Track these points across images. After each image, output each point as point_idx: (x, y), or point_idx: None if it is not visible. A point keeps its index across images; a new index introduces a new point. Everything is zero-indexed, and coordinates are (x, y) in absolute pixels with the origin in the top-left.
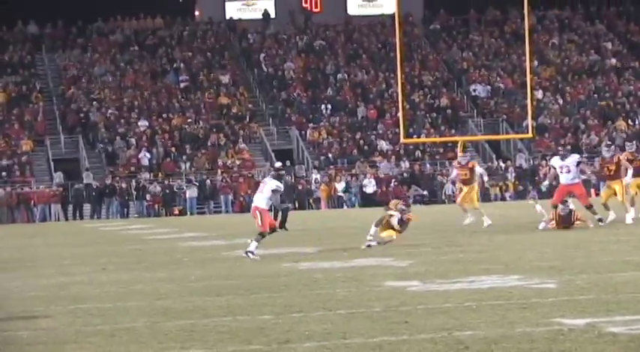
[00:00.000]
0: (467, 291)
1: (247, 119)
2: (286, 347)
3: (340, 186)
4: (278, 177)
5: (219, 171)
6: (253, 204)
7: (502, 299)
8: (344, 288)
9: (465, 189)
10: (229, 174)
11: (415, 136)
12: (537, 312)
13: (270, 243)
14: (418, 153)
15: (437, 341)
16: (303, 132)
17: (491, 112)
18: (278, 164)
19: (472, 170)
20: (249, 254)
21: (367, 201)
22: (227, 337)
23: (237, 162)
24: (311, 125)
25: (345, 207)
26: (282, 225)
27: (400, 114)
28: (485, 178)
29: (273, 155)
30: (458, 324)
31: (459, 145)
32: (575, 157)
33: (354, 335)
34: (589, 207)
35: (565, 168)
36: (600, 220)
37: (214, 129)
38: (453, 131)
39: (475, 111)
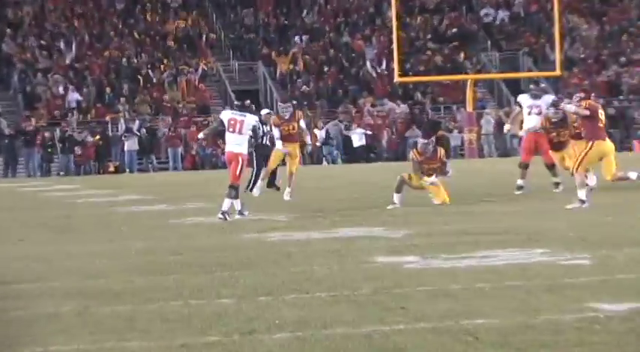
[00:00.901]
0: (478, 269)
1: (201, 51)
2: (251, 338)
3: (319, 135)
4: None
5: (165, 118)
6: (228, 150)
7: (522, 279)
8: (324, 265)
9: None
10: (178, 121)
11: (412, 74)
12: (566, 296)
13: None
14: (418, 95)
15: (440, 331)
16: (271, 68)
17: (509, 43)
18: (265, 111)
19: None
20: (225, 216)
21: (353, 156)
22: (177, 326)
23: (189, 106)
24: (281, 59)
25: (324, 163)
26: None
27: (395, 45)
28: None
29: (233, 96)
30: (466, 311)
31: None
32: (549, 97)
33: (336, 324)
34: (550, 166)
35: (535, 108)
36: (557, 185)
37: (159, 64)
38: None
39: (489, 42)
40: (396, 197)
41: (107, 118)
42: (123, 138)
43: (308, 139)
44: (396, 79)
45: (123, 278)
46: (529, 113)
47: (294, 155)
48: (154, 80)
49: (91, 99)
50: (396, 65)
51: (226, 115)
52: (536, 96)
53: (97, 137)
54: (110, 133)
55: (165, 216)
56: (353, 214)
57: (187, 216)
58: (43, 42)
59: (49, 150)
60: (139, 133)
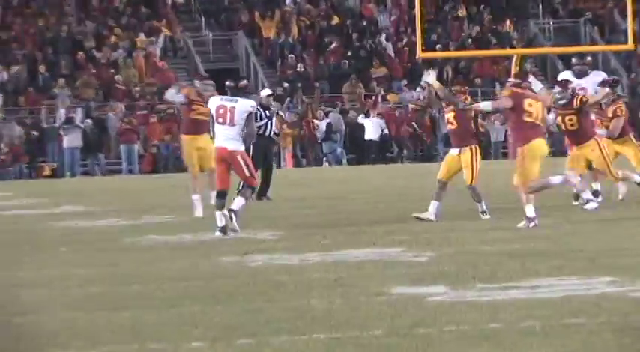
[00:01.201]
0: (526, 303)
1: (164, 18)
2: None
3: (320, 128)
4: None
5: (117, 105)
6: (218, 145)
7: (583, 316)
8: (323, 298)
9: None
10: (135, 110)
11: (439, 48)
12: None
13: (203, 225)
14: (448, 73)
15: None
16: (255, 40)
17: (567, 8)
18: (265, 92)
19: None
20: (232, 215)
21: (362, 154)
22: None
23: (149, 90)
24: (267, 23)
25: (325, 165)
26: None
27: (417, 11)
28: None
29: (206, 76)
30: None
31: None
32: (598, 75)
33: None
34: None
35: (580, 90)
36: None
37: (109, 35)
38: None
39: (540, 6)
40: (432, 206)
41: (41, 106)
42: (61, 131)
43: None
44: (419, 54)
45: (61, 316)
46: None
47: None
48: (102, 56)
49: (20, 81)
50: (418, 37)
51: (214, 103)
52: (580, 74)
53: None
54: (45, 125)
55: (116, 234)
56: (361, 231)
57: (146, 233)
58: None
59: None
60: (82, 125)
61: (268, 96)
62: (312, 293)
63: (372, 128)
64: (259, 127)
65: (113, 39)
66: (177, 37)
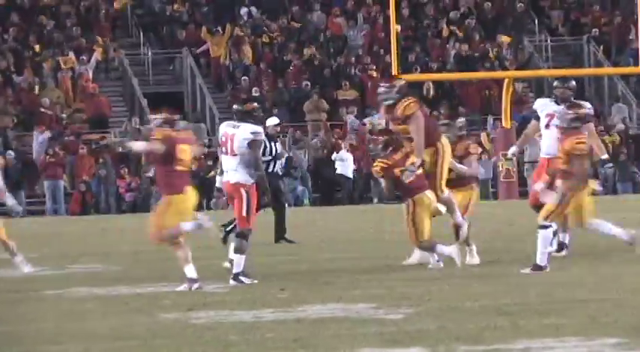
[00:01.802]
0: None
1: (97, 31)
2: None
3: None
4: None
5: (38, 133)
6: (225, 180)
7: None
8: None
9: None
10: (62, 138)
11: (417, 69)
12: None
13: (139, 275)
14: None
15: None
16: (203, 59)
17: (568, 24)
18: (272, 121)
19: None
20: (241, 279)
21: (330, 193)
22: None
23: (77, 116)
24: (215, 39)
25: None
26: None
27: (392, 26)
28: None
29: (144, 103)
30: None
31: (505, 84)
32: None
33: None
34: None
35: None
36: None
37: (30, 51)
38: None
39: (536, 21)
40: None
41: None
42: None
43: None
44: (394, 75)
45: None
46: (546, 126)
47: None
48: (23, 79)
49: None
50: (393, 56)
51: (221, 129)
52: (563, 100)
53: None
54: None
55: (38, 285)
56: (326, 283)
57: (72, 284)
58: None
59: None
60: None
61: (276, 125)
62: None
63: (343, 163)
64: (266, 163)
65: (36, 54)
66: (114, 54)
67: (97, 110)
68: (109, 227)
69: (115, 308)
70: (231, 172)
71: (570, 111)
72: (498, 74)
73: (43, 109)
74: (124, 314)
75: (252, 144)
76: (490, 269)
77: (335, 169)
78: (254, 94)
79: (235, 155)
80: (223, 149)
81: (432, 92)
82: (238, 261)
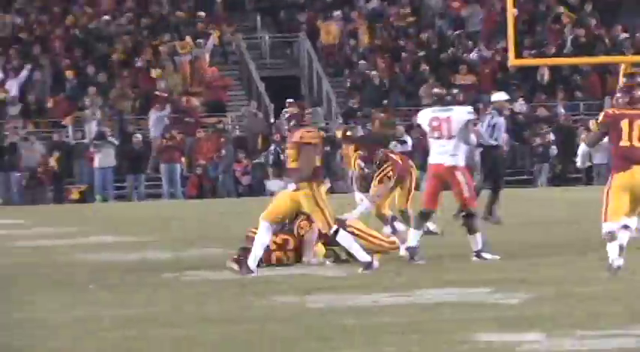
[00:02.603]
0: None
1: (214, 17)
2: None
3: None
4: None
5: (153, 115)
6: (433, 162)
7: None
8: (396, 346)
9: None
10: (179, 122)
11: (530, 54)
12: None
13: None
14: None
15: None
16: (318, 41)
17: None
18: (499, 96)
19: None
20: (483, 255)
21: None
22: None
23: (195, 102)
24: (327, 26)
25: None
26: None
27: (509, 8)
28: None
29: (262, 87)
30: None
31: (621, 70)
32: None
33: None
34: None
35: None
36: None
37: (149, 36)
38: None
39: None
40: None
41: (66, 119)
42: (92, 148)
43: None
44: (511, 61)
45: None
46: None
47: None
48: (140, 60)
49: (45, 90)
50: (510, 41)
51: (425, 117)
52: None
53: (56, 156)
54: (72, 141)
55: (154, 269)
56: (442, 268)
57: (189, 268)
58: None
59: None
60: (116, 142)
61: (506, 101)
62: (383, 340)
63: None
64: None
65: (157, 41)
66: (229, 38)
67: (214, 94)
68: (227, 210)
69: (231, 292)
70: (445, 156)
71: None
72: (614, 59)
73: (159, 93)
74: (240, 297)
75: (469, 123)
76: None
77: None
78: (372, 77)
79: (451, 137)
80: (436, 134)
81: (546, 77)
82: (477, 240)
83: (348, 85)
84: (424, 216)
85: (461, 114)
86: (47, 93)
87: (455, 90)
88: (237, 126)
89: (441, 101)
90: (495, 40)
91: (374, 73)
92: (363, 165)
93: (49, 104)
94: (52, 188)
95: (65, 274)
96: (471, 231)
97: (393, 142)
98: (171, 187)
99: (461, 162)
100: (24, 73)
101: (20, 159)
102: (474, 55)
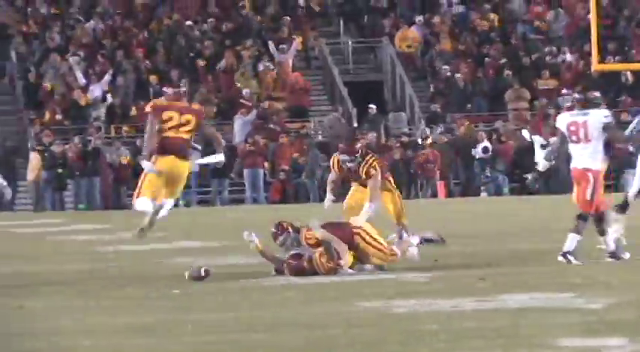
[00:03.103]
0: None
1: (297, 22)
2: None
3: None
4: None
5: (238, 121)
6: (574, 166)
7: None
8: (481, 350)
9: None
10: (261, 128)
11: (620, 59)
12: None
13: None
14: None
15: None
16: (398, 46)
17: None
18: None
19: None
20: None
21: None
22: None
23: (279, 106)
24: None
25: (484, 194)
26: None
27: (592, 15)
28: None
29: (345, 92)
30: None
31: None
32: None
33: None
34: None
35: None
36: None
37: (233, 41)
38: None
39: None
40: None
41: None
42: None
43: None
44: (594, 66)
45: None
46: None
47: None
48: (223, 65)
49: (129, 94)
50: (594, 45)
51: (563, 121)
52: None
53: (127, 157)
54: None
55: (236, 274)
56: (525, 273)
57: (270, 273)
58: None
59: (60, 171)
60: (199, 147)
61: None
62: (465, 345)
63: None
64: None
65: (242, 47)
66: (312, 43)
67: (297, 99)
68: (313, 214)
69: (314, 297)
70: (582, 158)
71: None
72: None
73: (242, 100)
74: (323, 302)
75: (608, 126)
76: None
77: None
78: (457, 81)
79: (589, 141)
80: (573, 138)
81: (629, 80)
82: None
83: (431, 90)
84: (583, 218)
85: (598, 118)
86: (130, 98)
87: (595, 94)
88: (319, 131)
89: (580, 105)
90: (578, 44)
91: (457, 76)
92: (346, 158)
93: (133, 109)
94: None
95: (149, 279)
96: (601, 232)
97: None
98: (254, 192)
99: (597, 165)
100: (107, 78)
101: (104, 164)
102: (556, 59)
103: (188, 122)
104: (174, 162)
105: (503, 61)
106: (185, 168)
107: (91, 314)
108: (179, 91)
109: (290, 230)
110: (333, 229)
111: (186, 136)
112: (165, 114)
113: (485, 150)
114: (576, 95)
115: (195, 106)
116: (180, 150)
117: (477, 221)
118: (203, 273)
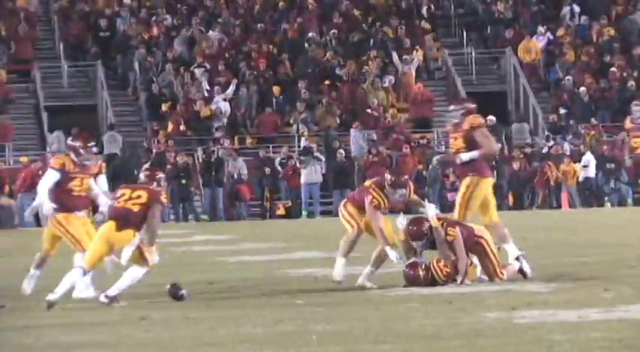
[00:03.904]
0: None
1: (419, 33)
2: None
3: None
4: None
5: (360, 132)
6: None
7: None
8: None
9: None
10: (384, 139)
11: None
12: None
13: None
14: None
15: None
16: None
17: None
18: None
19: None
20: None
21: None
22: None
23: (400, 116)
24: (527, 44)
25: (607, 205)
26: None
27: None
28: None
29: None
30: None
31: None
32: None
33: None
34: None
35: None
36: None
37: (352, 48)
38: None
39: None
40: None
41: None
42: (298, 164)
43: None
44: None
45: None
46: None
47: None
48: (347, 77)
49: (252, 105)
50: None
51: None
52: None
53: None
54: (280, 157)
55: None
56: None
57: (394, 284)
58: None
59: (184, 181)
60: (322, 157)
61: None
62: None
63: None
64: None
65: (368, 57)
66: (434, 54)
67: (420, 110)
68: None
69: (438, 308)
70: None
71: None
72: None
73: (369, 110)
74: (447, 313)
75: None
76: None
77: None
78: (582, 93)
79: None
80: None
81: None
82: None
83: (554, 101)
84: None
85: None
86: (253, 109)
87: None
88: (442, 142)
89: None
90: None
91: (582, 89)
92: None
93: (256, 120)
94: (255, 203)
95: (272, 290)
96: None
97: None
98: None
99: None
100: (231, 89)
101: (226, 174)
102: None
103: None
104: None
105: (627, 71)
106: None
107: (212, 326)
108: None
109: (428, 234)
110: (461, 227)
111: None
112: None
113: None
114: None
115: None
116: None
117: (599, 231)
118: (179, 295)
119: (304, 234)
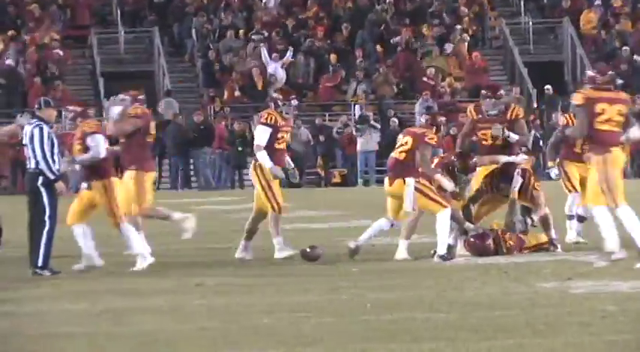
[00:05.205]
0: None
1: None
2: None
3: None
4: None
5: (418, 102)
6: None
7: None
8: None
9: None
10: (440, 107)
11: None
12: None
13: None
14: None
15: None
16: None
17: None
18: None
19: None
20: None
21: None
22: None
23: (456, 86)
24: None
25: None
26: None
27: None
28: None
29: (524, 72)
30: None
31: None
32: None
33: None
34: None
35: None
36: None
37: (408, 17)
38: None
39: None
40: None
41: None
42: (354, 132)
43: None
44: None
45: (350, 347)
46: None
47: None
48: (403, 44)
49: (310, 73)
50: None
51: None
52: None
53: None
54: (337, 126)
55: (417, 253)
56: None
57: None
58: None
59: (240, 149)
60: (378, 126)
61: None
62: None
63: None
64: None
65: (422, 27)
66: (491, 24)
67: (475, 79)
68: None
69: (494, 277)
70: None
71: None
72: None
73: (426, 79)
74: (503, 283)
75: None
76: None
77: None
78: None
79: None
80: None
81: None
82: None
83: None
84: None
85: None
86: (310, 77)
87: None
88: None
89: None
90: None
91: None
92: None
93: (312, 88)
94: (311, 171)
95: (328, 258)
96: None
97: None
98: None
99: None
100: (288, 56)
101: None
102: None
103: None
104: None
105: None
106: None
107: (266, 293)
108: None
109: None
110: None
111: None
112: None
113: None
114: None
115: None
116: None
117: None
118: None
119: (360, 202)
